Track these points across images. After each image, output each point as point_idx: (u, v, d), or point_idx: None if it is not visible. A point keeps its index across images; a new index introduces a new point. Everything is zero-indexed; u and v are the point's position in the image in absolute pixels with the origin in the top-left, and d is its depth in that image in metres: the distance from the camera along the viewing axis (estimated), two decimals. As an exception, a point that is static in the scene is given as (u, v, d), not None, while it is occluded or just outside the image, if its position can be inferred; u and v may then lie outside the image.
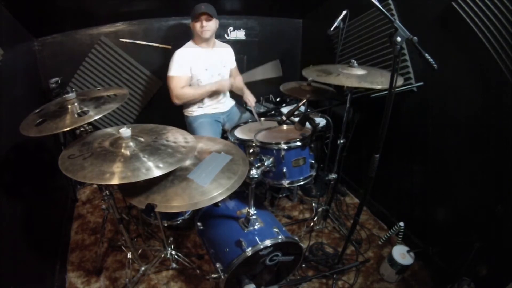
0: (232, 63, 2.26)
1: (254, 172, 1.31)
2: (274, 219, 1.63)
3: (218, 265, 1.37)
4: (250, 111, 2.55)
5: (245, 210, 1.52)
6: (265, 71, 2.03)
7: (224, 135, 2.20)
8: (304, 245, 1.69)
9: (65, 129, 1.12)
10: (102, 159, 1.07)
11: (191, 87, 2.02)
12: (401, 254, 1.65)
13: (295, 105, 2.19)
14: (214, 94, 2.11)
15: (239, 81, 2.12)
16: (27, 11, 1.69)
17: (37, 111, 1.27)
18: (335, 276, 1.68)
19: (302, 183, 1.72)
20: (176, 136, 1.28)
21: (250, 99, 2.20)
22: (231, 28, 2.54)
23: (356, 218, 1.44)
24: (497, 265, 1.37)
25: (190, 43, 2.04)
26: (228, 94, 2.29)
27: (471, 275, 1.38)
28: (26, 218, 1.44)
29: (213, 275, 1.37)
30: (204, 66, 2.00)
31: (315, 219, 2.04)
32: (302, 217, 2.21)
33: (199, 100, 2.09)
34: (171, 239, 1.73)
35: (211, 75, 2.05)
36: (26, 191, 1.52)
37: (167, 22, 2.33)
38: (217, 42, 2.15)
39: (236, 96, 2.37)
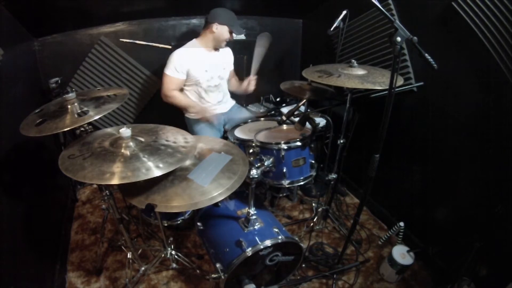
0: (231, 65, 2.25)
1: (254, 172, 1.31)
2: (274, 219, 1.63)
3: (218, 265, 1.37)
4: (250, 111, 2.55)
5: (245, 210, 1.52)
6: (261, 48, 2.00)
7: (224, 135, 2.20)
8: (304, 245, 1.69)
9: (65, 129, 1.12)
10: (102, 159, 1.07)
11: (181, 94, 2.04)
12: (401, 254, 1.65)
13: (295, 105, 2.19)
14: (214, 95, 2.12)
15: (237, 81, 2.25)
16: (27, 11, 1.69)
17: (37, 111, 1.27)
18: (335, 276, 1.68)
19: (302, 183, 1.72)
20: (176, 136, 1.28)
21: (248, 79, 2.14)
22: (231, 28, 2.53)
23: (356, 218, 1.44)
24: (497, 265, 1.37)
25: (193, 42, 2.01)
26: (228, 94, 2.29)
27: (471, 275, 1.38)
28: (26, 218, 1.44)
29: (213, 275, 1.37)
30: (204, 68, 1.99)
31: (315, 219, 2.04)
32: (302, 217, 2.21)
33: (198, 101, 2.09)
34: (171, 239, 1.73)
35: (210, 76, 2.04)
36: (26, 191, 1.52)
37: (167, 22, 2.33)
38: None
39: (236, 96, 2.37)
